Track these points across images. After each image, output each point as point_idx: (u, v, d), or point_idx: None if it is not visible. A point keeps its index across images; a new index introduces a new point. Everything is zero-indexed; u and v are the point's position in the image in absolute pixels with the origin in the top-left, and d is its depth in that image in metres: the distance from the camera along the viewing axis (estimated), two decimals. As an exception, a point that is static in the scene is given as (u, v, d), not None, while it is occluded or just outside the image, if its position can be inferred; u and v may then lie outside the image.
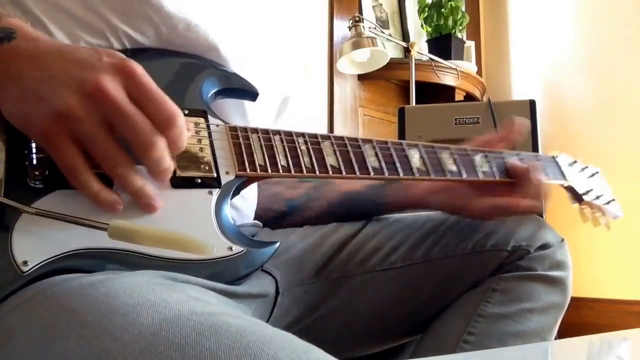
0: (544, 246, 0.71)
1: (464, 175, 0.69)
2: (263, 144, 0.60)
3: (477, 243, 0.71)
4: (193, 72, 0.63)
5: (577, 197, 0.81)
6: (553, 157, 0.81)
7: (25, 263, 0.46)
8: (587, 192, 0.81)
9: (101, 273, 0.48)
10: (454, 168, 0.69)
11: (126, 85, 0.47)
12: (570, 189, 0.81)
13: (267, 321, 0.66)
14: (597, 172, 0.86)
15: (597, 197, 0.82)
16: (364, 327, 0.74)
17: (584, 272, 2.15)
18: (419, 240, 0.74)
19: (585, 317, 2.12)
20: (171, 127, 0.48)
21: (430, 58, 2.23)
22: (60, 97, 0.45)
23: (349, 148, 0.64)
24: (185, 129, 0.50)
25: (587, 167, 0.85)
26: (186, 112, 0.58)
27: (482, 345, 0.67)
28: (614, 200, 0.84)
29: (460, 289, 0.72)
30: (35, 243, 0.47)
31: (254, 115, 0.72)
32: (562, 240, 0.73)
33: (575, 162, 0.84)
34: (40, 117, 0.45)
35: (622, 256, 2.17)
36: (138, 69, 0.47)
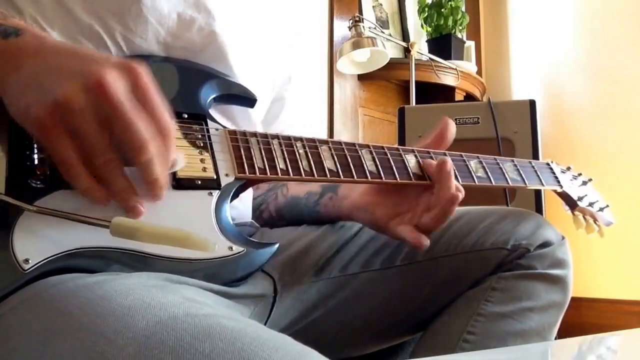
0: (545, 244, 0.71)
1: (460, 180, 0.69)
2: (262, 147, 0.61)
3: (477, 242, 0.71)
4: (193, 78, 0.64)
5: (571, 203, 0.81)
6: (547, 164, 0.81)
7: (26, 261, 0.46)
8: (581, 198, 0.81)
9: (99, 274, 0.47)
10: None
11: (131, 85, 0.46)
12: (565, 195, 0.81)
13: (266, 321, 0.66)
14: (590, 180, 0.86)
15: (591, 204, 0.82)
16: (363, 326, 0.73)
17: (584, 272, 2.15)
18: (419, 238, 0.73)
19: (585, 317, 2.12)
20: (165, 137, 0.48)
21: (430, 58, 2.23)
22: (60, 87, 0.44)
23: (346, 152, 0.64)
24: (174, 145, 0.49)
25: (580, 174, 0.86)
26: (185, 116, 0.59)
27: (482, 344, 0.66)
28: (607, 206, 0.84)
29: (460, 288, 0.72)
30: (36, 241, 0.47)
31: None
32: (563, 238, 0.73)
33: (569, 168, 0.85)
34: (38, 106, 0.45)
35: (622, 256, 2.17)
36: (145, 72, 0.47)
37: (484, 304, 0.69)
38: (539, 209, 1.43)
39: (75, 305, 0.43)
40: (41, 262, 0.47)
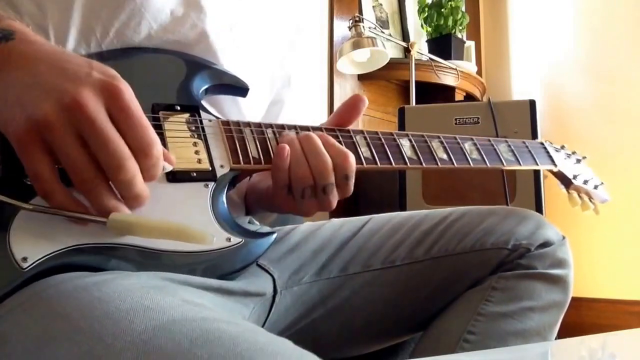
0: (545, 244, 0.71)
1: (455, 163, 0.69)
2: (256, 137, 0.61)
3: (478, 241, 0.71)
4: (184, 69, 0.64)
5: (565, 182, 0.82)
6: (541, 143, 0.81)
7: (24, 259, 0.46)
8: (575, 176, 0.82)
9: (98, 274, 0.47)
10: (444, 156, 0.69)
11: (108, 104, 0.46)
12: (559, 174, 0.81)
13: (266, 320, 0.66)
14: (584, 158, 0.86)
15: (585, 182, 0.83)
16: (364, 326, 0.73)
17: (584, 272, 2.15)
18: (420, 238, 0.73)
19: (585, 317, 2.12)
20: (146, 155, 0.47)
21: (430, 58, 2.23)
22: (38, 105, 0.44)
23: (341, 139, 0.64)
24: (162, 159, 0.49)
25: (574, 152, 0.86)
26: (178, 107, 0.59)
27: (482, 344, 0.66)
28: (602, 184, 0.85)
29: (460, 288, 0.72)
30: (34, 239, 0.47)
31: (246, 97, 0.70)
32: (564, 237, 0.73)
33: (563, 147, 0.85)
34: (17, 121, 0.44)
35: (622, 256, 2.16)
36: (125, 90, 0.46)
37: (485, 304, 0.69)
38: (539, 209, 1.43)
39: (73, 308, 0.43)
40: (39, 260, 0.46)
